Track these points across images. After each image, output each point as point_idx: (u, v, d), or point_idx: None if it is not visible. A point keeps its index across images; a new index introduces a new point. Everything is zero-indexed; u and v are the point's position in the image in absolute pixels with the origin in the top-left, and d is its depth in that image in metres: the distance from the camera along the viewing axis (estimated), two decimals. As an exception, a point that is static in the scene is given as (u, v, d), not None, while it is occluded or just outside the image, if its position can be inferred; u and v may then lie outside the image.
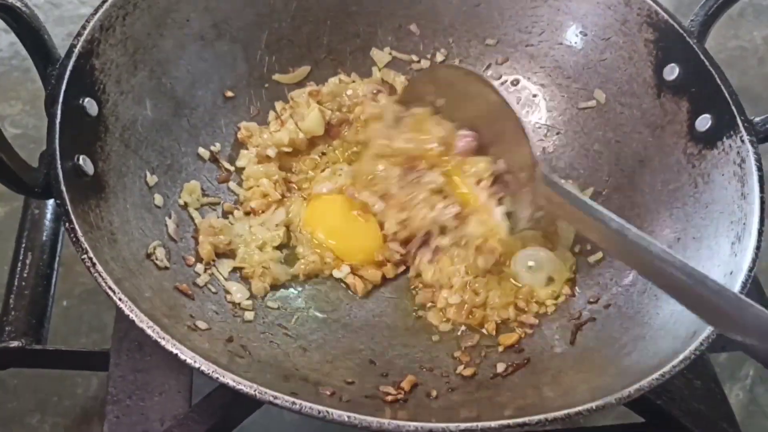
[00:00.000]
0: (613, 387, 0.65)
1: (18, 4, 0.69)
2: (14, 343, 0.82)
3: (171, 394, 0.77)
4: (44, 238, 0.90)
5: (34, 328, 0.84)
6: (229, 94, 0.93)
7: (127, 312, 0.62)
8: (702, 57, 0.84)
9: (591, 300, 0.84)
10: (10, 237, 1.15)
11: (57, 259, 0.90)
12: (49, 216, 0.91)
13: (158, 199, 0.82)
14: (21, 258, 0.88)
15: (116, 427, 0.75)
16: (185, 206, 0.85)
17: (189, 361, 0.60)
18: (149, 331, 0.61)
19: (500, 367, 0.78)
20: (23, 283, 0.86)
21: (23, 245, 0.89)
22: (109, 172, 0.76)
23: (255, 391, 0.59)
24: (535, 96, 0.98)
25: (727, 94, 0.81)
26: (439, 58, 1.00)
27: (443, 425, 0.59)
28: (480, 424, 0.59)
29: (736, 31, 1.60)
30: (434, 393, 0.75)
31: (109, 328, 1.12)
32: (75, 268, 1.05)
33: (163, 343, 0.61)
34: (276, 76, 0.96)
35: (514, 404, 0.71)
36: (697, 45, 0.85)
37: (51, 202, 0.92)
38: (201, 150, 0.89)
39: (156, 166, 0.83)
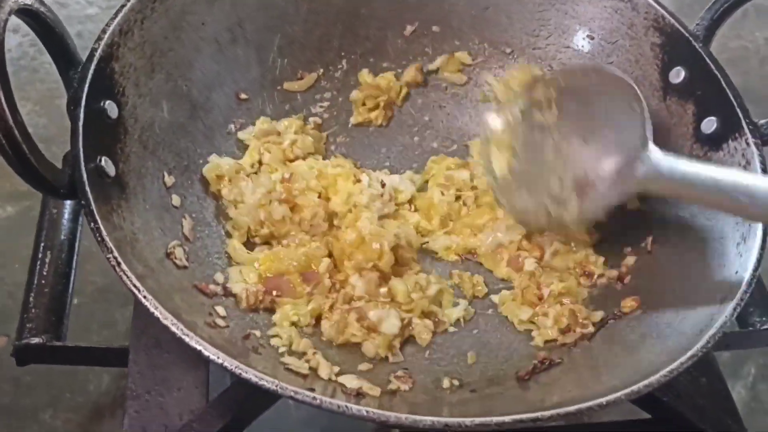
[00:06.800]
0: (621, 383, 0.66)
1: (42, 9, 0.70)
2: (35, 340, 0.83)
3: (189, 390, 0.79)
4: (62, 237, 0.91)
5: (54, 325, 0.85)
6: (243, 96, 0.95)
7: (152, 309, 0.64)
8: (708, 60, 0.85)
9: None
10: (21, 235, 1.17)
11: (75, 258, 0.91)
12: (66, 215, 0.92)
13: (176, 199, 0.83)
14: (40, 257, 0.89)
15: (136, 421, 0.77)
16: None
17: (213, 357, 0.62)
18: (173, 329, 0.63)
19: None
20: (43, 282, 0.87)
21: (42, 244, 0.90)
22: (129, 174, 0.77)
23: (277, 386, 0.61)
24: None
25: (732, 97, 0.83)
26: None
27: (458, 420, 0.61)
28: (494, 419, 0.61)
29: (738, 31, 1.62)
30: (447, 385, 0.77)
31: (120, 325, 1.15)
32: (86, 266, 1.07)
33: (186, 340, 0.62)
34: (286, 85, 0.98)
35: (526, 400, 0.73)
36: (702, 49, 0.86)
37: (69, 201, 0.94)
38: (214, 156, 0.90)
39: (173, 167, 0.85)
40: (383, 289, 0.83)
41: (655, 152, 0.78)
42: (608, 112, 0.84)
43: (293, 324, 0.80)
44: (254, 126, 0.94)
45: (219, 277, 0.81)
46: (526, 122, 0.87)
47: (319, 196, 0.90)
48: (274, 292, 0.81)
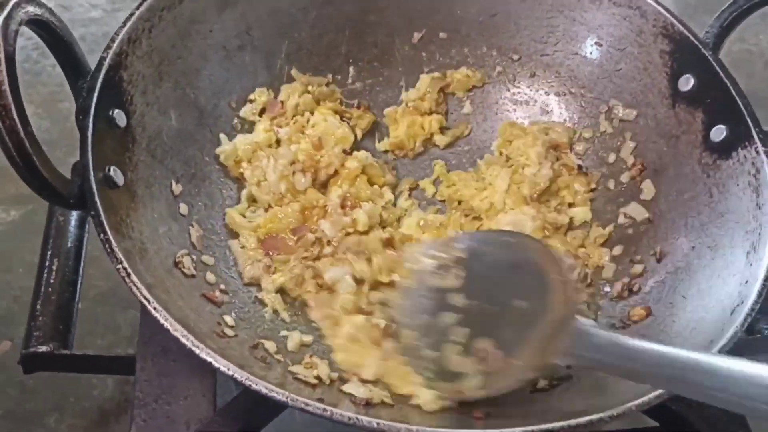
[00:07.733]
0: (632, 394, 0.66)
1: (52, 19, 0.70)
2: (42, 348, 0.84)
3: (196, 398, 0.79)
4: (69, 244, 0.91)
5: (61, 333, 0.85)
6: None
7: (161, 321, 0.64)
8: (717, 68, 0.85)
9: (607, 307, 0.86)
10: (25, 239, 1.18)
11: (82, 265, 0.91)
12: (73, 223, 0.93)
13: (183, 208, 0.83)
14: (47, 264, 0.89)
15: (143, 430, 0.76)
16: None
17: (223, 369, 0.62)
18: (184, 340, 0.63)
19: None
20: (50, 289, 0.88)
21: (49, 251, 0.90)
22: (138, 182, 0.77)
23: (287, 398, 0.61)
24: (549, 105, 1.00)
25: (741, 106, 0.82)
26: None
27: (466, 431, 0.61)
28: (502, 432, 0.60)
29: (741, 34, 1.61)
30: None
31: (123, 329, 1.15)
32: (89, 271, 1.06)
33: (197, 351, 0.62)
34: None
35: (536, 412, 0.73)
36: (712, 56, 0.86)
37: (75, 209, 0.94)
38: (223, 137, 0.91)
39: (181, 175, 0.85)
40: (347, 218, 0.86)
41: (581, 326, 0.69)
42: (521, 282, 0.75)
43: (280, 290, 0.82)
44: (253, 103, 0.95)
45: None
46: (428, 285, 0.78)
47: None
48: (272, 252, 0.84)
